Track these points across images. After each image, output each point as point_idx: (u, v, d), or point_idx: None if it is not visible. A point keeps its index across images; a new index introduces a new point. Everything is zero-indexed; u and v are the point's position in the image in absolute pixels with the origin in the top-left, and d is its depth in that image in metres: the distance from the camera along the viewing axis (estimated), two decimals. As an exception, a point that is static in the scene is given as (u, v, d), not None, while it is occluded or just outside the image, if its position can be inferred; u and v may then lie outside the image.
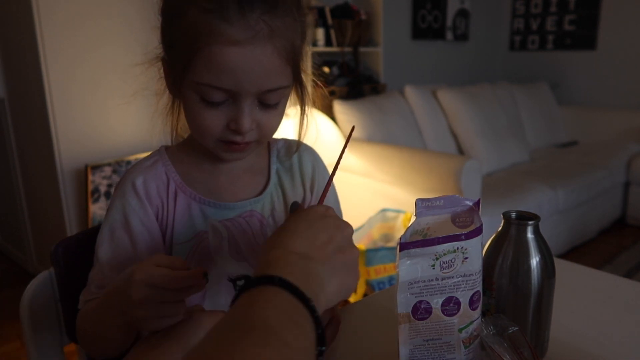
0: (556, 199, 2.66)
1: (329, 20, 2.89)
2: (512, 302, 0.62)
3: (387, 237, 2.23)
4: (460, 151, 3.16)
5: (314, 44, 2.83)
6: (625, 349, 0.67)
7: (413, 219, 0.58)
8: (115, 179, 2.22)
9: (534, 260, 0.61)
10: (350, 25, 2.95)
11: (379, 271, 2.05)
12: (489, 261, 0.62)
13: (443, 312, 0.57)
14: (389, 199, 2.32)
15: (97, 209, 2.20)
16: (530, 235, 0.61)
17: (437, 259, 0.55)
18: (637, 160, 3.18)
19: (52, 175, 2.18)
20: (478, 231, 0.56)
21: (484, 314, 0.62)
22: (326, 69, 2.93)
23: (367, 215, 2.30)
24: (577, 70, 3.91)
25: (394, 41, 3.43)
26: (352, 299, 2.08)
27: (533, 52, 4.13)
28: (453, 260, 0.56)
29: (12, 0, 2.11)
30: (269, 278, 0.43)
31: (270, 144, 0.79)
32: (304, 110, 0.72)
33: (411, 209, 0.81)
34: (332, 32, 2.90)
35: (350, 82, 3.02)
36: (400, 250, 0.55)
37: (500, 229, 0.63)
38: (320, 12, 2.87)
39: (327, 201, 0.71)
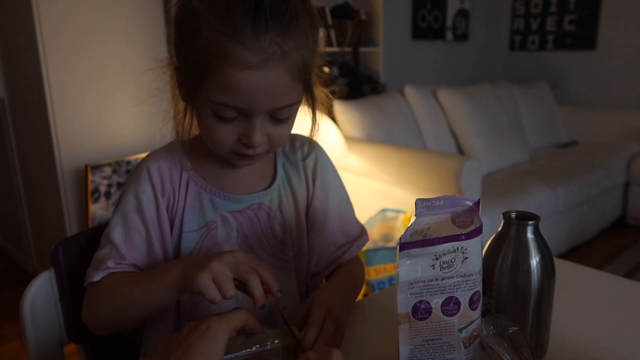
0: (556, 199, 2.66)
1: (329, 20, 2.89)
2: (512, 302, 0.62)
3: (387, 237, 2.23)
4: (460, 151, 3.16)
5: (314, 44, 2.82)
6: (625, 349, 0.67)
7: (413, 219, 0.58)
8: (115, 179, 2.22)
9: (534, 260, 0.61)
10: (350, 25, 2.95)
11: (379, 271, 2.05)
12: (489, 261, 0.62)
13: (443, 312, 0.57)
14: (389, 199, 2.32)
15: (97, 209, 2.20)
16: (530, 235, 0.61)
17: (437, 259, 0.55)
18: (637, 160, 3.18)
19: (52, 175, 2.18)
20: (478, 231, 0.56)
21: (484, 314, 0.62)
22: (326, 69, 2.93)
23: (367, 215, 2.30)
24: (577, 70, 3.90)
25: (394, 41, 3.43)
26: (352, 299, 2.08)
27: (533, 52, 4.13)
28: (453, 260, 0.56)
29: (12, 0, 2.11)
30: None
31: None
32: (315, 119, 0.74)
33: (411, 209, 0.81)
34: (332, 32, 2.91)
35: (350, 82, 3.02)
36: (400, 250, 0.55)
37: (500, 229, 0.63)
38: (320, 12, 2.86)
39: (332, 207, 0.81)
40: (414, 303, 0.57)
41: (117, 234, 0.71)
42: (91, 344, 0.83)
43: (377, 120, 2.72)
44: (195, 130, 0.73)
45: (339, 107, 2.69)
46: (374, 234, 2.25)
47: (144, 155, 0.77)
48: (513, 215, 0.63)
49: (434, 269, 0.56)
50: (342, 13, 2.97)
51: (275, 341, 0.57)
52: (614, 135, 3.55)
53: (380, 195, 2.37)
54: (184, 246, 0.73)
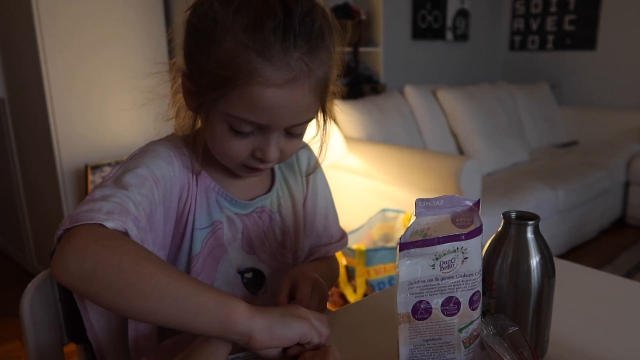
0: (556, 199, 2.66)
1: (329, 21, 2.88)
2: (512, 302, 0.62)
3: (387, 237, 2.23)
4: (460, 151, 3.16)
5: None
6: (625, 349, 0.67)
7: (413, 219, 0.58)
8: (115, 179, 2.22)
9: (534, 260, 0.61)
10: (350, 25, 2.95)
11: (379, 271, 2.05)
12: (489, 261, 0.62)
13: (443, 312, 0.57)
14: (389, 199, 2.32)
15: (97, 209, 2.19)
16: (530, 235, 0.61)
17: (437, 259, 0.55)
18: (637, 160, 3.18)
19: (52, 175, 2.18)
20: (478, 231, 0.56)
21: (484, 314, 0.62)
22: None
23: (367, 215, 2.30)
24: (577, 70, 3.90)
25: (393, 41, 3.43)
26: (352, 299, 2.08)
27: (533, 52, 4.13)
28: (453, 260, 0.56)
29: (12, 0, 2.11)
30: None
31: None
32: (325, 131, 0.73)
33: (411, 209, 0.81)
34: (332, 32, 2.90)
35: (350, 82, 3.02)
36: (400, 250, 0.55)
37: (500, 229, 0.63)
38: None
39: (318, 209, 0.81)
40: (414, 303, 0.57)
41: (129, 178, 0.60)
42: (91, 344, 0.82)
43: (377, 120, 2.72)
44: (195, 130, 0.72)
45: (339, 107, 2.69)
46: (374, 234, 2.25)
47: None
48: (513, 215, 0.63)
49: (434, 269, 0.56)
50: (342, 13, 2.97)
51: None
52: (614, 135, 3.54)
53: (380, 195, 2.36)
54: (195, 244, 0.71)
